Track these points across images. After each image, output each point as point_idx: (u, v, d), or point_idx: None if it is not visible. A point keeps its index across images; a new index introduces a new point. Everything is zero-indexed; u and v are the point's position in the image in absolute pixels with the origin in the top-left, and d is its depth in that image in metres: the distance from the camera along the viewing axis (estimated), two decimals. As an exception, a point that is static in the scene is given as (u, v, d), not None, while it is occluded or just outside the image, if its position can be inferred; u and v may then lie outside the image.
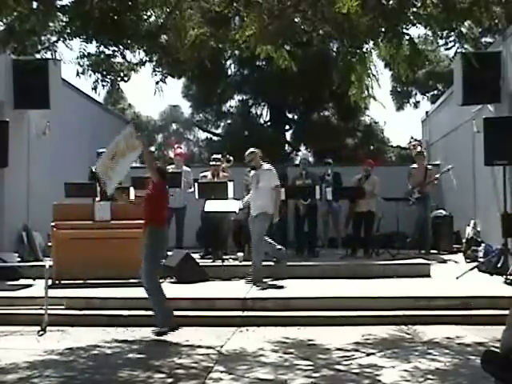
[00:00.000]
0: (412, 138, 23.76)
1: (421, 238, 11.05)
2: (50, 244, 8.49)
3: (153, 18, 5.93)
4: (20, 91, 9.53)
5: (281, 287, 7.74)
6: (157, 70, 6.00)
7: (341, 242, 10.92)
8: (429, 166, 11.17)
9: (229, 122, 21.40)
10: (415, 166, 11.14)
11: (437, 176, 10.96)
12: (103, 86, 5.85)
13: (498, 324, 4.83)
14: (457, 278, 8.19)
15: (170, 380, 4.65)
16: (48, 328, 6.21)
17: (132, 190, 9.12)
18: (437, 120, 14.77)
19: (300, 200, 10.08)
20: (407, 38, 5.40)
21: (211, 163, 10.31)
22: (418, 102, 22.59)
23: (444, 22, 5.22)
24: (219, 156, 10.56)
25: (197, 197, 9.55)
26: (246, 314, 6.70)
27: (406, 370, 4.78)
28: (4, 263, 8.40)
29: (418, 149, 11.81)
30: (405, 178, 11.16)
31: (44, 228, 9.18)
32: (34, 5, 5.52)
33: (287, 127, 21.36)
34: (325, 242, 11.29)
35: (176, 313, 6.66)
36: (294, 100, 20.03)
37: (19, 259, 9.21)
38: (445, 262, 10.15)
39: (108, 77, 5.80)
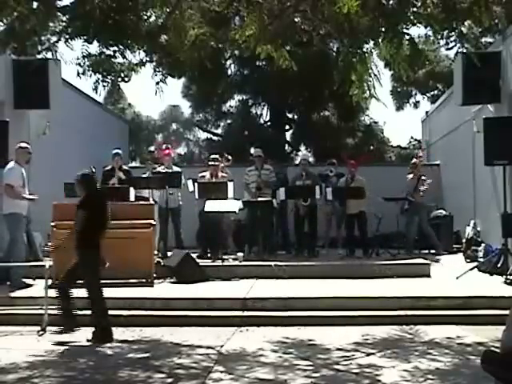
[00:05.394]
0: (412, 137, 23.90)
1: (422, 239, 11.03)
2: (50, 244, 8.47)
3: (153, 18, 5.95)
4: (20, 91, 9.52)
5: (281, 287, 7.74)
6: (157, 70, 6.01)
7: (341, 243, 10.88)
8: (423, 177, 10.62)
9: (229, 122, 21.40)
10: (411, 176, 10.75)
11: (424, 187, 10.47)
12: (104, 86, 5.86)
13: (498, 324, 4.80)
14: (457, 277, 8.19)
15: (169, 380, 4.65)
16: (48, 328, 6.20)
17: (132, 190, 9.13)
18: (437, 120, 14.76)
19: (300, 201, 10.06)
20: (407, 37, 5.40)
21: (210, 163, 10.28)
22: (418, 101, 22.69)
23: (444, 21, 5.23)
24: (217, 156, 10.54)
25: (197, 197, 9.54)
26: (245, 314, 6.69)
27: (406, 370, 4.78)
28: (4, 263, 8.38)
29: (413, 160, 11.34)
30: (404, 177, 11.12)
31: (44, 228, 9.17)
32: (35, 5, 5.53)
33: (287, 127, 21.36)
34: (327, 242, 11.25)
35: (176, 313, 6.68)
36: (294, 100, 20.02)
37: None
38: (445, 261, 10.14)
39: (108, 77, 5.81)
